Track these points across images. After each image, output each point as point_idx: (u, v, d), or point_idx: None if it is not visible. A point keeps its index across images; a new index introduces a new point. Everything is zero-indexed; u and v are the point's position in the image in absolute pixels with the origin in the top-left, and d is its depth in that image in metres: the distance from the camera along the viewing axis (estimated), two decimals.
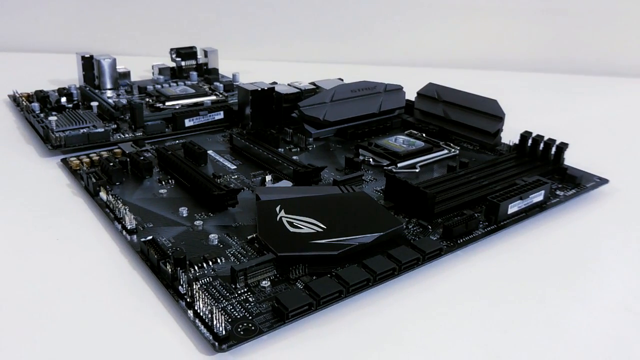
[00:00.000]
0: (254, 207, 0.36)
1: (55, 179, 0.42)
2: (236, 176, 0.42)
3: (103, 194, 0.37)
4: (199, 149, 0.44)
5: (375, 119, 0.53)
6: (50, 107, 0.54)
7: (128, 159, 0.42)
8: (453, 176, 0.40)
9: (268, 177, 0.41)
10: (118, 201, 0.35)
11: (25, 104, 0.55)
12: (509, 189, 0.37)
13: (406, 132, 0.51)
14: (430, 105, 0.53)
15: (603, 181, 0.42)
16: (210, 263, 0.30)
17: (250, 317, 0.26)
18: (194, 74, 0.67)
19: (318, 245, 0.31)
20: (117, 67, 0.62)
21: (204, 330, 0.25)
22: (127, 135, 0.49)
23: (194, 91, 0.59)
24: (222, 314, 0.25)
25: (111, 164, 0.40)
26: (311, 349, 0.26)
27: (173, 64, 0.69)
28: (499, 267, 0.32)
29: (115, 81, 0.62)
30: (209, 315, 0.25)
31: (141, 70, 0.71)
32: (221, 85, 0.62)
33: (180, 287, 0.28)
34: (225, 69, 0.70)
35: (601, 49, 0.82)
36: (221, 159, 0.45)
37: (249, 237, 0.33)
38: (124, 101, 0.55)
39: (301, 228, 0.32)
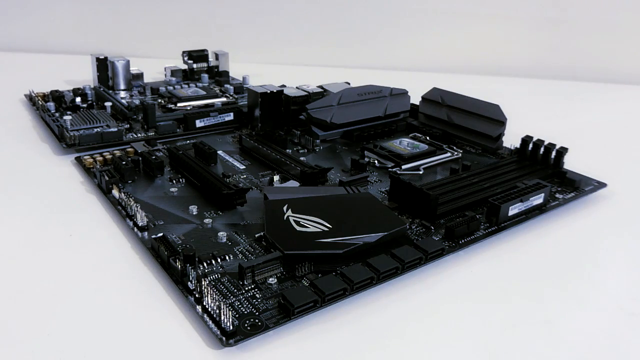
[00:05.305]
0: (262, 206, 0.36)
1: (69, 177, 0.42)
2: (245, 176, 0.42)
3: (115, 192, 0.37)
4: (209, 149, 0.44)
5: (381, 122, 0.53)
6: (65, 107, 0.55)
7: (140, 158, 0.42)
8: (455, 178, 0.40)
9: (276, 177, 0.41)
10: (130, 199, 0.36)
11: (41, 103, 0.55)
12: (510, 192, 0.37)
13: (410, 135, 0.51)
14: (434, 109, 0.53)
15: (601, 185, 0.42)
16: (219, 260, 0.30)
17: (257, 313, 0.26)
18: (205, 76, 0.67)
19: (324, 244, 0.31)
20: (131, 68, 0.63)
21: (212, 325, 0.26)
22: (139, 135, 0.49)
23: (204, 93, 0.59)
24: (229, 310, 0.26)
25: (124, 162, 0.41)
26: (316, 344, 0.26)
27: (185, 67, 0.69)
28: (500, 267, 0.33)
29: (128, 82, 0.63)
30: (217, 311, 0.26)
31: (154, 72, 0.71)
32: (231, 87, 0.62)
33: (189, 283, 0.28)
34: (236, 71, 0.70)
35: (601, 57, 0.82)
36: (230, 159, 0.45)
37: (256, 235, 0.33)
38: (137, 102, 0.55)
39: (307, 227, 0.32)
